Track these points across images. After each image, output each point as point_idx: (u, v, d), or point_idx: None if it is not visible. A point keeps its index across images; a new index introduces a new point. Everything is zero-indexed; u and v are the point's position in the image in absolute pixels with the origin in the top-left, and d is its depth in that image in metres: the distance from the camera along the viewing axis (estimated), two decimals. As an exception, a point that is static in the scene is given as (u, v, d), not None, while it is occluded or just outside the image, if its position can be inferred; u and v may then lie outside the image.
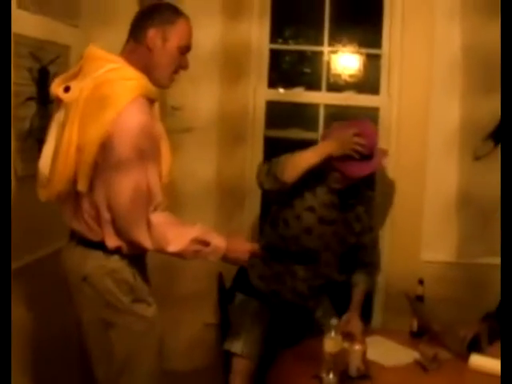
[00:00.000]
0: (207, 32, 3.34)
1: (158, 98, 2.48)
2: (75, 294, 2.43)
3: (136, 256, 2.38)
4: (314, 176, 2.89)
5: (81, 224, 2.38)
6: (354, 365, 2.48)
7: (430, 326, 2.84)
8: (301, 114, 3.38)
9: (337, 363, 2.43)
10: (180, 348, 3.50)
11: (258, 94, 3.50)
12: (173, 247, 2.28)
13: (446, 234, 3.39)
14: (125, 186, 2.23)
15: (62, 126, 2.31)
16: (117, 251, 2.35)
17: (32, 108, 2.92)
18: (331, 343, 2.43)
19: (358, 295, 3.06)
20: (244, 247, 2.47)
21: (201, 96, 3.42)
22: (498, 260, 3.23)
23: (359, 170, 2.85)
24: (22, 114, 2.90)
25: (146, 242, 2.27)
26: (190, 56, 3.31)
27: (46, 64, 3.04)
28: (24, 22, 2.86)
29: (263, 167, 2.91)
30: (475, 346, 2.67)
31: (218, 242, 2.39)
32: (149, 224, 2.25)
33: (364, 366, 2.49)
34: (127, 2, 3.27)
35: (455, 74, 3.30)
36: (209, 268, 3.24)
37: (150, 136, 2.28)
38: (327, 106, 3.53)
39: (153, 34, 2.35)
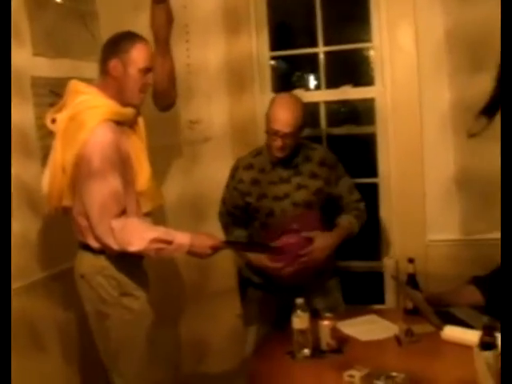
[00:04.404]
0: (213, 51, 3.75)
1: (130, 120, 2.86)
2: (78, 290, 2.87)
3: (122, 255, 2.72)
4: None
5: (76, 231, 2.83)
6: (324, 340, 2.68)
7: (415, 304, 2.96)
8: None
9: (308, 339, 2.65)
10: (218, 340, 3.87)
11: (264, 100, 3.68)
12: (134, 247, 2.62)
13: (449, 212, 3.47)
14: (94, 193, 2.62)
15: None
16: (103, 251, 2.74)
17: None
18: (298, 321, 2.65)
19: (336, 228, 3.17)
20: (206, 243, 2.74)
21: (213, 109, 3.78)
22: (499, 235, 3.33)
23: None
24: (46, 144, 3.40)
25: (112, 244, 2.63)
26: (201, 74, 3.76)
27: (68, 98, 3.53)
28: (41, 66, 3.32)
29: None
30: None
31: (181, 239, 2.70)
32: (112, 229, 2.60)
33: (334, 341, 2.68)
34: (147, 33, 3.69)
35: (441, 56, 3.40)
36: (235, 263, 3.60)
37: (113, 151, 2.65)
38: (328, 103, 3.73)
39: (113, 64, 2.75)
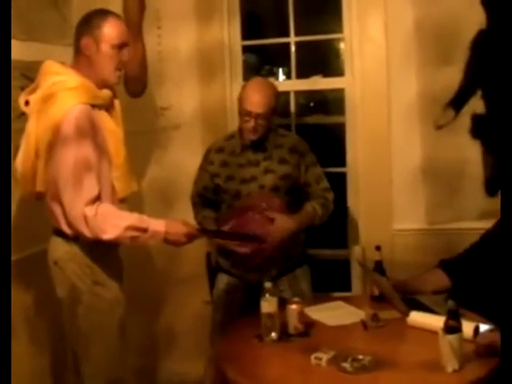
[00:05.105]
0: (184, 38, 3.75)
1: (106, 103, 2.77)
2: (52, 276, 2.80)
3: (96, 243, 2.62)
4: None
5: (50, 217, 2.76)
6: (292, 323, 2.70)
7: (381, 290, 3.01)
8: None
9: (275, 323, 2.66)
10: (186, 327, 3.88)
11: (234, 88, 3.74)
12: (107, 235, 2.54)
13: (415, 201, 3.55)
14: (67, 167, 2.54)
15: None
16: (77, 238, 2.66)
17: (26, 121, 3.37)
18: (266, 305, 2.66)
19: (299, 212, 3.18)
20: (181, 230, 2.67)
21: (184, 95, 3.79)
22: (464, 225, 3.45)
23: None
24: (16, 127, 3.37)
25: (85, 231, 2.55)
26: (172, 61, 3.76)
27: (39, 81, 3.51)
28: (13, 49, 3.29)
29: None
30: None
31: (156, 227, 2.62)
32: (85, 216, 2.52)
33: (302, 325, 2.70)
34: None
35: (410, 48, 3.47)
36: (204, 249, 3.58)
37: (89, 128, 2.59)
38: (298, 92, 3.80)
39: (85, 42, 2.66)
